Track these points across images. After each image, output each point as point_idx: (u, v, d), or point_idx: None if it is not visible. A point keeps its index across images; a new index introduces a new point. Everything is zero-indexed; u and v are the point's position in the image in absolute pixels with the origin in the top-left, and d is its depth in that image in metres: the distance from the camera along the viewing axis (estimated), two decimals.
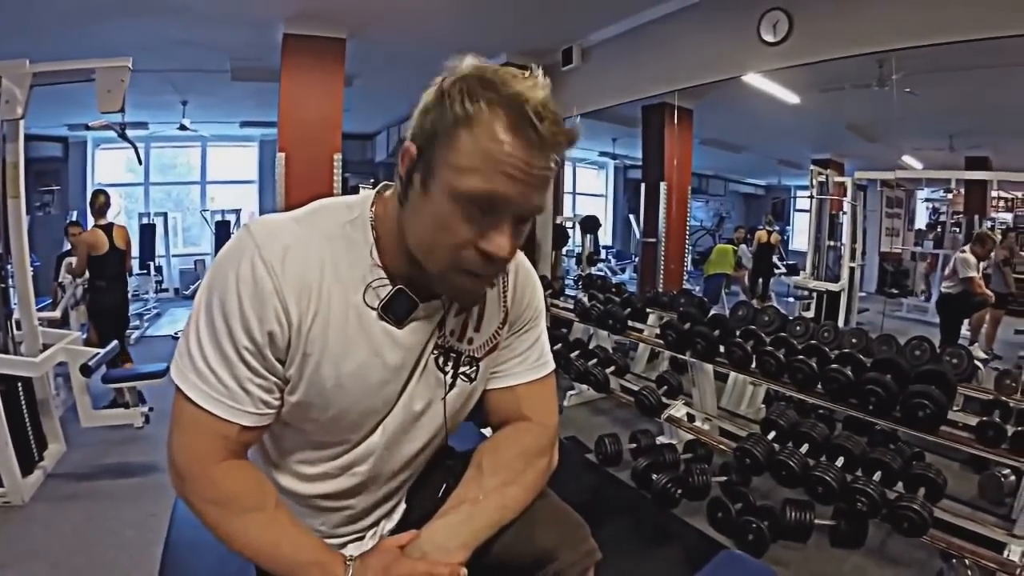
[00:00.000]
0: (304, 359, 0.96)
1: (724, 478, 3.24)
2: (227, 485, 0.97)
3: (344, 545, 1.17)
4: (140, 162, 5.38)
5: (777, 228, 6.89)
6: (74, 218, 8.52)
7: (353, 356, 0.99)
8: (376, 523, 1.21)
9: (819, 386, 2.89)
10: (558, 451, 1.21)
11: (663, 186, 6.45)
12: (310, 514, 1.13)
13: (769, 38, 4.19)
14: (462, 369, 1.11)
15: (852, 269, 5.00)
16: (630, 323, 4.35)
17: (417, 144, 0.89)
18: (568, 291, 6.05)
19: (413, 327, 1.03)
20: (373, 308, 0.99)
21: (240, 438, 0.97)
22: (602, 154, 8.87)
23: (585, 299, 4.85)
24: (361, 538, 1.20)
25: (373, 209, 1.01)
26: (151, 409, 3.57)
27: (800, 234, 6.77)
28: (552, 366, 1.24)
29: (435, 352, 1.07)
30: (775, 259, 6.67)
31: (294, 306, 0.93)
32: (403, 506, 1.25)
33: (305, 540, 0.99)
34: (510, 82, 0.85)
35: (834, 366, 2.81)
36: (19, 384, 3.28)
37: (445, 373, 1.09)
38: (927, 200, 5.77)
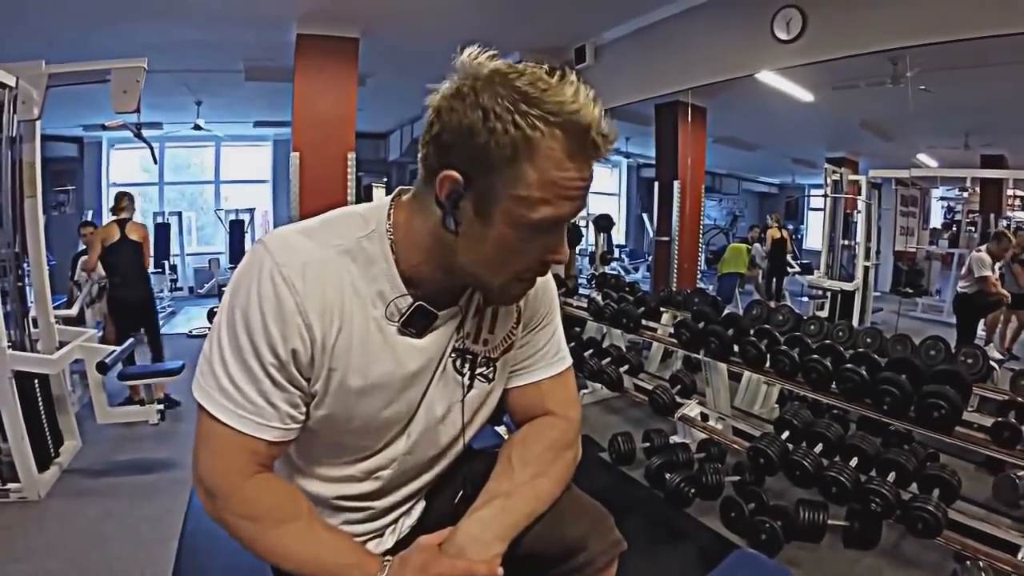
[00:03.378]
0: (329, 374, 0.96)
1: (738, 478, 3.23)
2: (261, 499, 0.97)
3: (364, 543, 1.17)
4: (155, 161, 5.44)
5: (790, 227, 6.87)
6: (89, 218, 8.60)
7: (377, 368, 0.99)
8: (395, 521, 1.21)
9: (833, 386, 2.87)
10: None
11: (677, 185, 6.45)
12: (329, 513, 1.13)
13: (783, 36, 4.17)
14: (479, 370, 1.11)
15: (866, 268, 4.99)
16: (644, 322, 4.34)
17: (461, 171, 0.85)
18: (582, 290, 6.04)
19: (433, 334, 1.03)
20: (393, 323, 0.99)
21: (268, 452, 0.97)
22: (615, 152, 8.80)
23: (599, 298, 4.84)
24: (380, 535, 1.20)
25: (391, 219, 0.99)
26: (179, 404, 3.58)
27: (814, 233, 6.75)
28: (570, 360, 1.24)
29: (453, 355, 1.07)
30: (788, 257, 6.65)
31: (317, 323, 0.92)
32: (423, 504, 1.25)
33: (342, 544, 1.00)
34: (556, 96, 0.82)
35: (848, 366, 2.80)
36: (36, 381, 3.31)
37: (463, 375, 1.09)
38: (942, 199, 5.74)
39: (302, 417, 0.99)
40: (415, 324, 1.00)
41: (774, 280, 6.64)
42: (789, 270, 6.68)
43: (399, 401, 1.03)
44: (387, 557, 0.99)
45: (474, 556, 0.95)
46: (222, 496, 0.97)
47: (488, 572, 0.94)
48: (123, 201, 4.90)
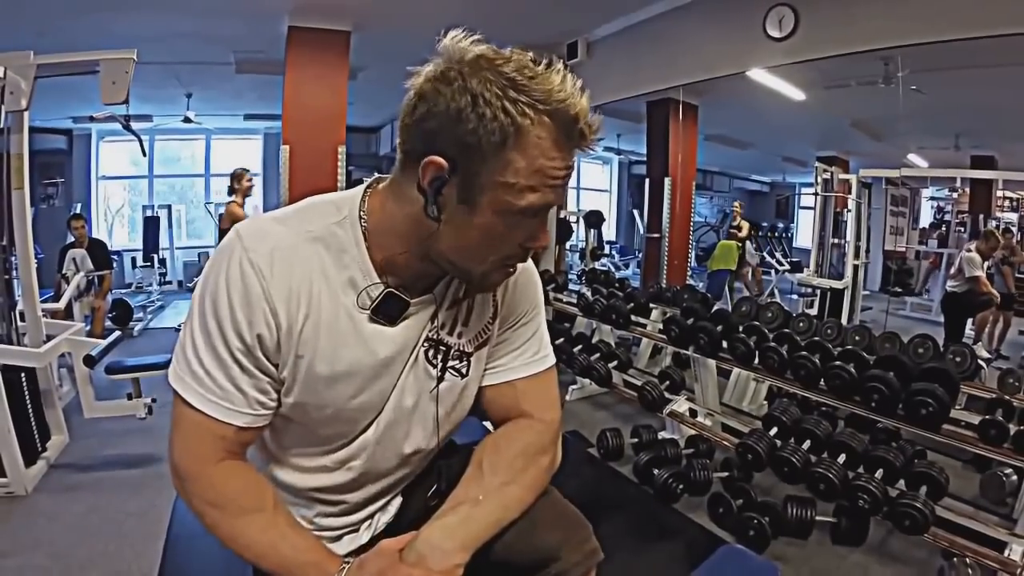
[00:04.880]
0: (297, 361, 0.96)
1: (726, 474, 3.24)
2: (226, 486, 0.98)
3: (339, 537, 1.17)
4: (144, 154, 5.38)
5: (778, 224, 6.92)
6: (78, 210, 8.54)
7: (345, 355, 0.98)
8: (371, 516, 1.21)
9: (822, 383, 2.88)
10: (561, 446, 1.20)
11: (668, 182, 6.45)
12: (306, 505, 1.13)
13: (775, 34, 4.17)
14: (451, 363, 1.09)
15: (856, 267, 5.00)
16: (633, 318, 4.34)
17: (447, 156, 0.85)
18: (572, 286, 6.04)
19: (405, 323, 1.02)
20: (364, 310, 0.98)
21: (237, 438, 0.98)
22: (607, 149, 8.85)
23: (588, 294, 4.84)
24: (356, 530, 1.20)
25: (365, 206, 0.99)
26: (154, 400, 3.56)
27: (804, 231, 6.77)
28: (552, 360, 1.22)
29: (425, 344, 1.06)
30: (779, 255, 6.68)
31: (283, 308, 0.93)
32: (399, 500, 1.24)
33: (303, 541, 0.99)
34: (544, 84, 0.83)
35: (837, 363, 2.80)
36: (22, 375, 3.29)
37: (434, 367, 1.08)
38: (932, 199, 5.76)
39: (272, 404, 0.99)
40: (386, 312, 0.99)
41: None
42: (780, 267, 6.71)
43: (370, 390, 1.03)
44: (347, 559, 0.98)
45: (434, 566, 0.94)
46: (190, 479, 0.98)
47: None
48: (232, 183, 4.82)
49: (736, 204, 6.86)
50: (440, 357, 1.08)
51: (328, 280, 0.96)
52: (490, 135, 0.82)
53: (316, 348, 0.96)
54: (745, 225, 6.71)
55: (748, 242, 6.72)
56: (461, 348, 1.10)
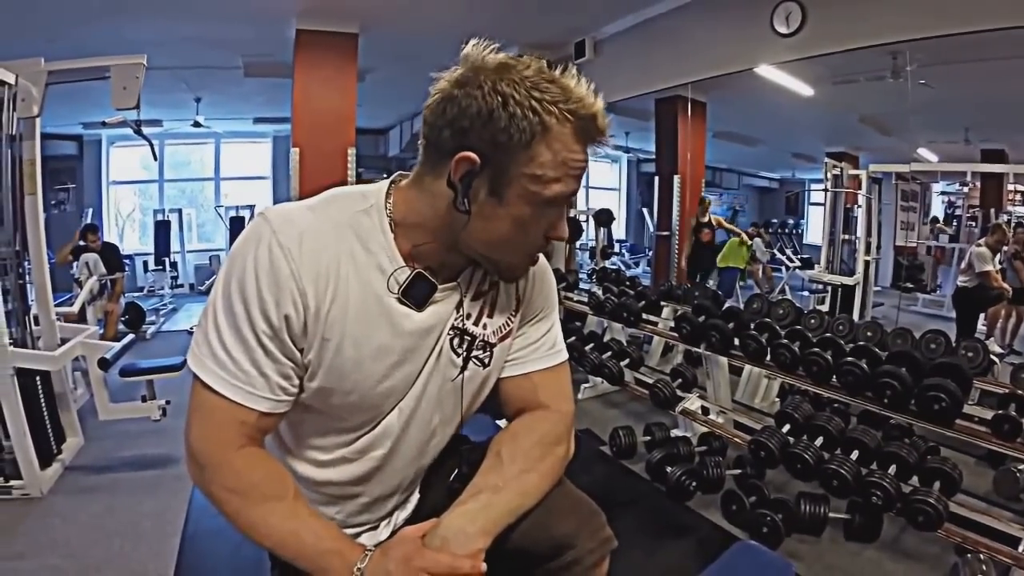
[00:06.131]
0: (323, 344, 0.97)
1: (738, 471, 3.23)
2: (248, 473, 0.98)
3: (358, 535, 1.18)
4: (155, 158, 5.42)
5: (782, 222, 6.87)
6: (89, 218, 8.60)
7: (373, 339, 1.00)
8: (390, 513, 1.22)
9: (834, 379, 2.87)
10: (574, 439, 1.22)
11: (677, 179, 6.44)
12: (324, 502, 1.14)
13: (782, 30, 4.17)
14: (475, 353, 1.12)
15: (867, 263, 4.97)
16: (644, 316, 4.34)
17: (479, 152, 0.90)
18: (582, 284, 6.03)
19: (432, 309, 1.04)
20: (393, 293, 1.00)
21: (258, 424, 0.98)
22: (615, 147, 8.83)
23: (599, 292, 4.85)
24: (375, 528, 1.21)
25: (390, 199, 1.02)
26: (168, 402, 3.59)
27: (815, 228, 6.74)
28: (566, 354, 1.25)
29: (451, 333, 1.08)
30: (790, 252, 6.64)
31: (311, 290, 0.94)
32: (417, 496, 1.26)
33: (325, 529, 0.99)
34: (562, 86, 0.91)
35: (849, 359, 2.79)
36: (37, 378, 3.31)
37: (458, 355, 1.10)
38: (943, 193, 5.73)
39: (294, 390, 1.00)
40: (414, 295, 1.01)
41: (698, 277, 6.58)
42: (789, 264, 6.68)
43: (395, 375, 1.04)
44: (369, 547, 0.99)
45: (457, 550, 0.95)
46: (210, 467, 0.98)
47: (472, 567, 0.94)
48: None
49: (705, 200, 6.69)
50: (464, 346, 1.10)
51: (356, 263, 0.98)
52: (521, 132, 0.89)
53: (344, 331, 0.97)
54: (715, 219, 6.59)
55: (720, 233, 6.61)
56: (485, 339, 1.12)
